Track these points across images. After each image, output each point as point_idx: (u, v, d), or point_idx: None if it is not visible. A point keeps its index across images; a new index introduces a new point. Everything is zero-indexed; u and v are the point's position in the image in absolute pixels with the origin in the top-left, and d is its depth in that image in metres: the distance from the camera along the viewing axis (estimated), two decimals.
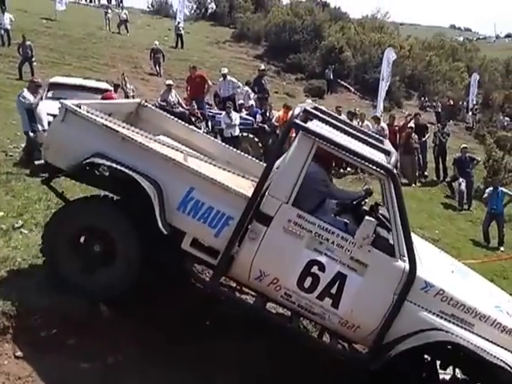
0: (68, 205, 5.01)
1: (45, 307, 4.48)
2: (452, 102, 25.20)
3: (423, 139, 14.25)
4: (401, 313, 4.22)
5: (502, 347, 4.20)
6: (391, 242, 4.32)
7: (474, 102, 26.18)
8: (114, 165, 4.34)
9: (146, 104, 6.17)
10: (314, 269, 4.28)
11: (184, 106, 13.12)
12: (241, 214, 4.28)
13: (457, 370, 4.54)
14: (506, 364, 4.03)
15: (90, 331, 4.41)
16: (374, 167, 4.28)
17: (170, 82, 14.07)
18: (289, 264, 4.31)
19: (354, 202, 4.97)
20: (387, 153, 4.52)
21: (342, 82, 26.69)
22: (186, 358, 4.51)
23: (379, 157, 4.44)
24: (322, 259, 4.26)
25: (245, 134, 12.33)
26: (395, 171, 4.29)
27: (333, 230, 4.28)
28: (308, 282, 4.29)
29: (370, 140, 4.66)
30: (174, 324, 4.76)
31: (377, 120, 14.15)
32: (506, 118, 24.31)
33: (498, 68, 34.42)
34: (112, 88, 11.97)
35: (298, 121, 4.32)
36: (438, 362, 4.56)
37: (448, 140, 14.82)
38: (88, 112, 4.60)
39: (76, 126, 4.49)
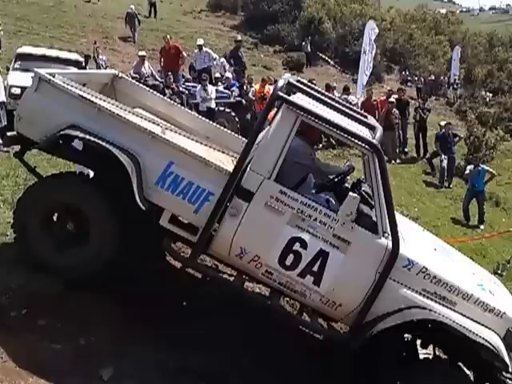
0: (41, 181, 4.80)
1: (14, 287, 4.31)
2: (433, 77, 25.05)
3: (406, 116, 14.13)
4: (383, 291, 4.15)
5: (484, 326, 4.18)
6: (374, 219, 4.24)
7: (456, 77, 26.01)
8: (91, 137, 4.14)
9: (122, 75, 5.92)
10: (296, 246, 4.17)
11: (158, 78, 12.74)
12: (222, 190, 4.14)
13: (437, 350, 4.55)
14: (488, 342, 4.03)
15: (62, 311, 4.26)
16: (359, 142, 4.17)
17: (142, 53, 13.67)
18: (270, 241, 4.19)
19: (337, 179, 4.90)
20: (372, 128, 4.40)
21: (322, 55, 26.36)
22: (162, 339, 4.38)
23: (364, 132, 4.32)
24: (304, 236, 4.16)
25: (221, 108, 12.00)
26: (380, 146, 4.19)
27: (315, 206, 4.17)
28: (290, 259, 4.19)
29: (354, 114, 4.54)
30: (150, 304, 4.61)
31: (346, 91, 13.98)
32: (489, 94, 24.29)
33: (481, 42, 34.22)
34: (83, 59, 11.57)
35: (281, 93, 4.17)
36: (419, 342, 4.56)
37: (428, 116, 14.74)
38: (62, 81, 4.36)
39: (50, 96, 4.28)
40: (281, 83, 4.26)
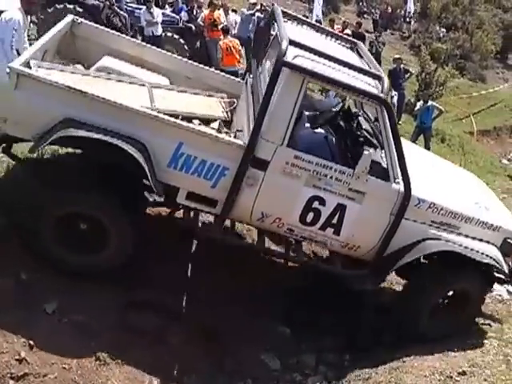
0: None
1: None
2: (390, 10, 23.43)
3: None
4: (398, 229, 4.48)
5: (484, 241, 4.71)
6: (383, 165, 4.41)
7: (412, 10, 24.35)
8: (90, 133, 3.89)
9: (81, 20, 5.30)
10: (315, 204, 4.35)
11: None
12: (237, 164, 4.13)
13: None
14: (493, 259, 4.58)
15: (2, 248, 4.16)
16: (367, 98, 4.19)
17: None
18: (290, 203, 4.34)
19: (331, 114, 4.97)
20: (378, 78, 4.32)
21: None
22: (107, 275, 4.38)
23: (370, 83, 4.27)
24: (322, 194, 4.32)
25: (169, 34, 10.94)
26: (388, 99, 4.20)
27: (330, 165, 4.27)
28: (310, 216, 4.39)
29: (356, 65, 4.42)
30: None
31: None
32: (443, 29, 23.16)
33: None
34: None
35: (287, 59, 3.98)
36: None
37: (383, 50, 14.11)
38: (40, 68, 3.95)
39: (34, 92, 3.91)
40: (284, 45, 4.01)
